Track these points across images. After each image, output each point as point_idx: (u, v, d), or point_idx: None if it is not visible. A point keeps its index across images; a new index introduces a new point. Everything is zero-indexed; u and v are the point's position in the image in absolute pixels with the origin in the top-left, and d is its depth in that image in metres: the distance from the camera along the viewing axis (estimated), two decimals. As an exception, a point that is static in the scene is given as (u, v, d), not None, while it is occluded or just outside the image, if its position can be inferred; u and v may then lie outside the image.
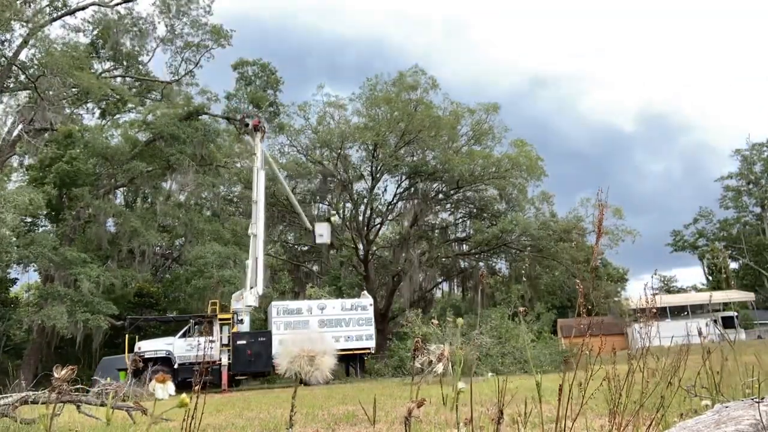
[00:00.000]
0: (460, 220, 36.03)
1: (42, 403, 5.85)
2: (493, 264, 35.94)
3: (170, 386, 1.53)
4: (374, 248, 34.80)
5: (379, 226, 34.77)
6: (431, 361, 1.88)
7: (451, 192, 33.52)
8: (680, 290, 56.97)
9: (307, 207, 34.66)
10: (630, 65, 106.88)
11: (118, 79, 30.88)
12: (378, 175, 32.76)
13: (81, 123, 30.35)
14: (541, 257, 31.37)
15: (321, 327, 20.25)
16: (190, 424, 1.59)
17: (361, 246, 33.73)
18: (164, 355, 19.67)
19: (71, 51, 26.14)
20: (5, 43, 25.24)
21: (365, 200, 33.07)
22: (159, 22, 29.45)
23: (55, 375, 1.72)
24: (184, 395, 1.52)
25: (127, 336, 19.62)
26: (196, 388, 1.71)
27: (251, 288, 20.98)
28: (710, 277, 54.55)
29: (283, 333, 20.07)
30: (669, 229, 57.79)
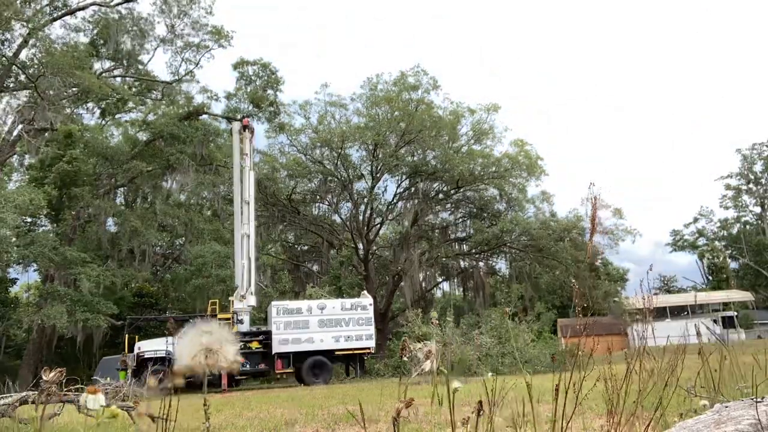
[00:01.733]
0: (460, 219, 36.04)
1: (42, 404, 5.86)
2: (493, 264, 36.00)
3: (100, 397, 1.53)
4: (374, 248, 34.79)
5: (379, 225, 34.78)
6: (419, 358, 1.88)
7: (451, 192, 33.53)
8: (680, 290, 56.99)
9: (307, 207, 34.69)
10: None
11: (118, 79, 30.90)
12: (378, 175, 32.76)
13: (81, 123, 30.37)
14: (541, 257, 31.40)
15: (321, 327, 20.26)
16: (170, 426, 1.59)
17: (361, 246, 33.73)
18: (164, 355, 19.66)
19: (71, 51, 26.14)
20: (5, 42, 25.26)
21: (365, 200, 33.06)
22: (159, 22, 29.48)
23: (44, 377, 1.73)
24: (114, 407, 1.53)
25: (127, 336, 19.61)
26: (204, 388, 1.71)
27: (247, 288, 21.02)
28: (710, 277, 54.55)
29: (283, 333, 20.08)
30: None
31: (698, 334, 3.44)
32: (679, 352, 2.95)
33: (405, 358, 1.87)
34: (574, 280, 2.11)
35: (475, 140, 32.98)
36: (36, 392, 5.88)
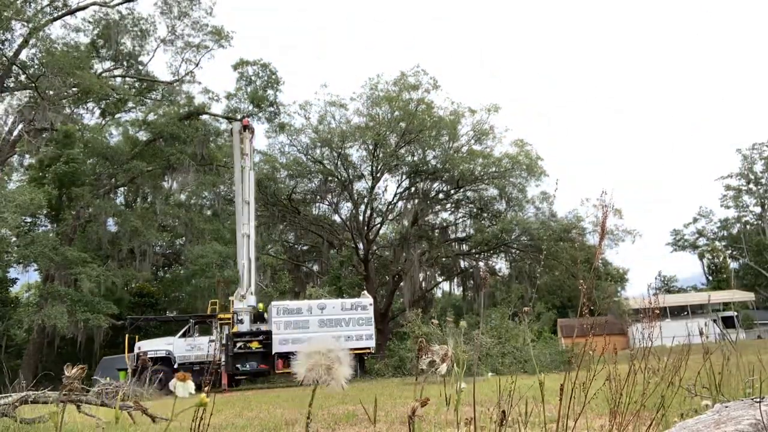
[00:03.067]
0: (461, 219, 36.06)
1: (42, 403, 5.85)
2: (493, 264, 36.00)
3: (190, 384, 1.54)
4: (374, 248, 34.79)
5: (379, 225, 34.78)
6: (434, 361, 1.88)
7: (452, 192, 33.54)
8: (680, 290, 56.96)
9: (307, 207, 34.70)
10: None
11: (119, 79, 30.90)
12: (378, 175, 32.76)
13: (81, 123, 30.37)
14: (541, 257, 31.37)
15: (321, 327, 20.23)
16: (200, 424, 1.59)
17: (361, 246, 33.73)
18: (164, 355, 19.66)
19: (71, 51, 26.14)
20: (5, 42, 25.26)
21: (365, 200, 33.07)
22: (159, 23, 29.50)
23: (66, 374, 1.72)
24: (203, 395, 1.54)
25: (127, 336, 19.61)
26: (206, 388, 1.71)
27: (247, 288, 21.01)
28: (710, 277, 54.54)
29: (283, 333, 20.06)
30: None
31: (701, 333, 3.43)
32: (683, 352, 2.95)
33: (424, 364, 1.87)
34: (581, 282, 2.09)
35: (476, 140, 32.98)
36: (36, 392, 5.88)
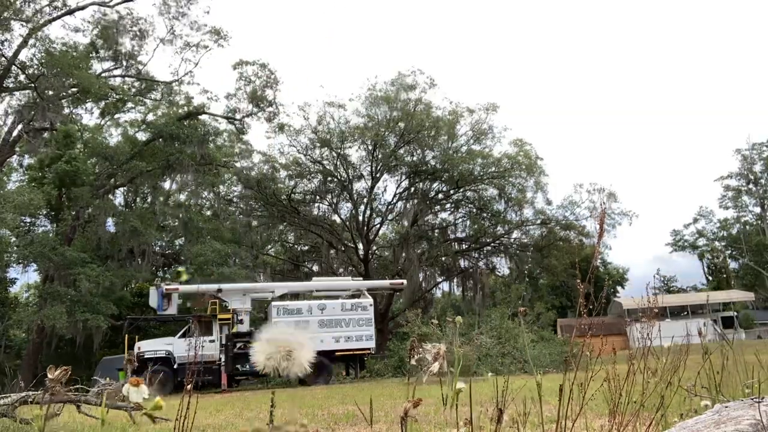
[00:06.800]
0: (460, 219, 36.10)
1: (39, 404, 5.85)
2: (494, 264, 36.05)
3: (144, 389, 1.53)
4: (374, 248, 34.80)
5: (379, 226, 34.81)
6: (426, 359, 1.87)
7: (451, 192, 33.56)
8: (680, 290, 56.96)
9: (307, 207, 34.71)
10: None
11: (118, 79, 30.91)
12: (378, 175, 32.79)
13: (80, 123, 30.37)
14: (540, 257, 31.43)
15: (321, 327, 20.20)
16: (183, 423, 1.58)
17: (361, 246, 33.74)
18: (164, 356, 19.63)
19: (71, 51, 26.14)
20: (5, 42, 25.25)
21: (365, 200, 33.09)
22: (158, 23, 29.55)
23: (49, 376, 1.72)
24: (158, 398, 1.53)
25: (126, 336, 19.58)
26: (189, 387, 1.70)
27: None
28: (710, 277, 54.54)
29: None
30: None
31: (699, 333, 3.43)
32: (682, 352, 2.94)
33: (413, 361, 1.86)
34: (578, 281, 2.09)
35: (475, 140, 33.01)
36: (36, 392, 5.87)
